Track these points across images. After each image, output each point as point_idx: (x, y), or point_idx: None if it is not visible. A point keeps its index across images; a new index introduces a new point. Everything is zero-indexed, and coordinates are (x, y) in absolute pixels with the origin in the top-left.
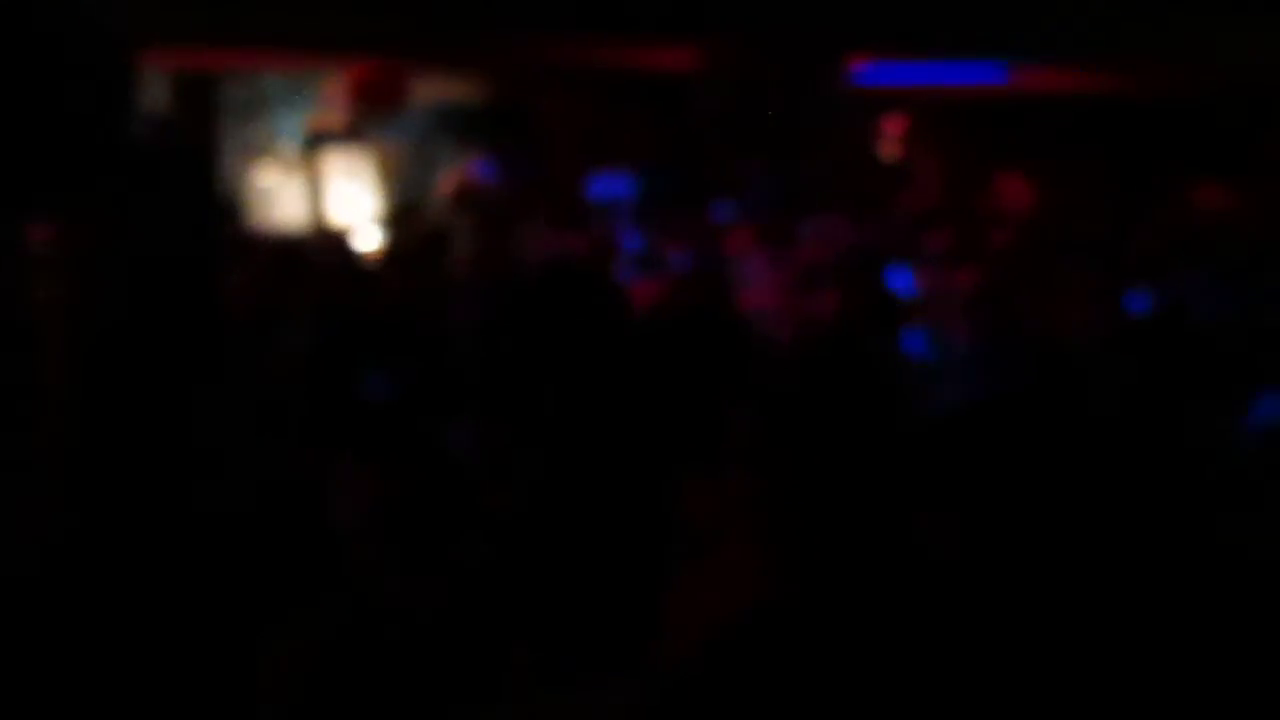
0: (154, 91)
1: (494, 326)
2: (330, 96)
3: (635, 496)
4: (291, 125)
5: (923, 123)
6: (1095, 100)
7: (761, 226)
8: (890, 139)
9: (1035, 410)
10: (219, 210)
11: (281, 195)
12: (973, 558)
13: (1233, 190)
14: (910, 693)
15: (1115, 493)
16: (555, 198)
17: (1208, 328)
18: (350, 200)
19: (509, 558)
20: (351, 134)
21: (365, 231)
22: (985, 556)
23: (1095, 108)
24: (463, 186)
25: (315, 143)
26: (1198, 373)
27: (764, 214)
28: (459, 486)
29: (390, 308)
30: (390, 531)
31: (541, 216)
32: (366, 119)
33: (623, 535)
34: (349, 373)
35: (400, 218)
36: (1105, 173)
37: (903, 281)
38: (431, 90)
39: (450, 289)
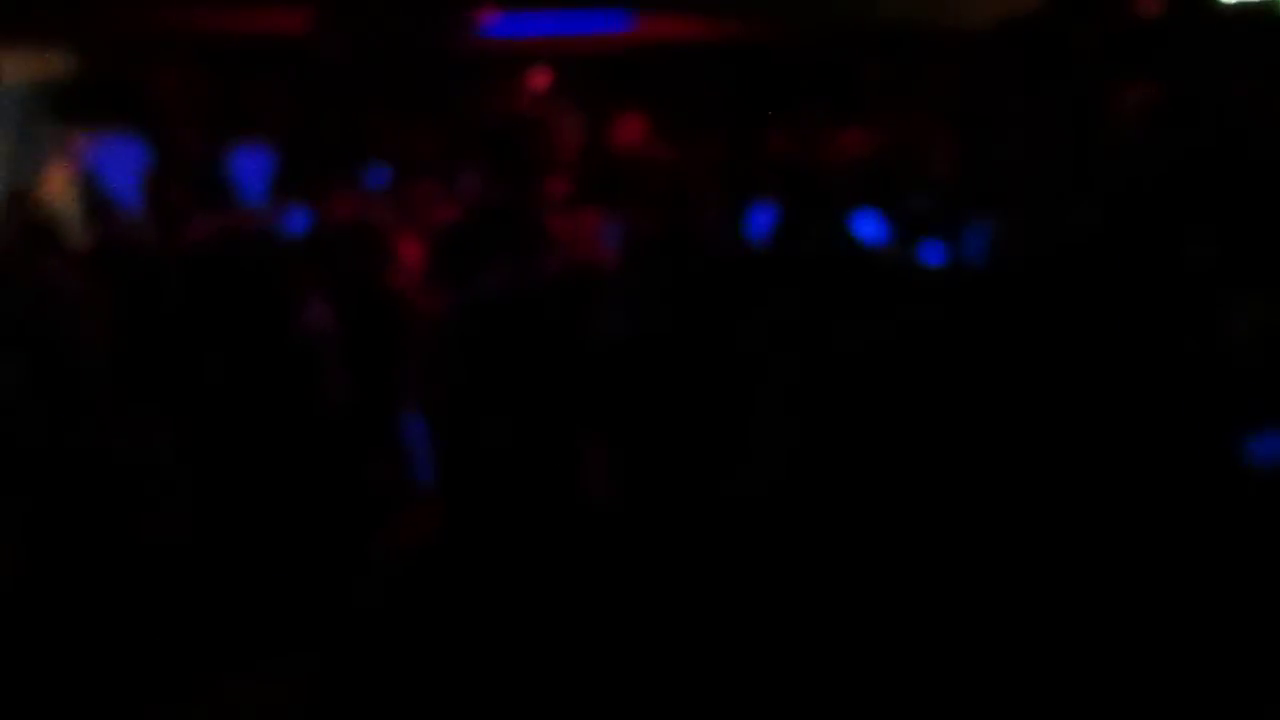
0: None
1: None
2: None
3: None
4: None
5: (562, 76)
6: (713, 45)
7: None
8: (531, 93)
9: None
10: None
11: None
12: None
13: (867, 133)
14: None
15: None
16: (183, 176)
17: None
18: None
19: None
20: None
21: None
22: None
23: (714, 52)
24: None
25: None
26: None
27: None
28: None
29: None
30: None
31: (171, 198)
32: None
33: None
34: None
35: (8, 207)
36: (724, 109)
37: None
38: (23, 68)
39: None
